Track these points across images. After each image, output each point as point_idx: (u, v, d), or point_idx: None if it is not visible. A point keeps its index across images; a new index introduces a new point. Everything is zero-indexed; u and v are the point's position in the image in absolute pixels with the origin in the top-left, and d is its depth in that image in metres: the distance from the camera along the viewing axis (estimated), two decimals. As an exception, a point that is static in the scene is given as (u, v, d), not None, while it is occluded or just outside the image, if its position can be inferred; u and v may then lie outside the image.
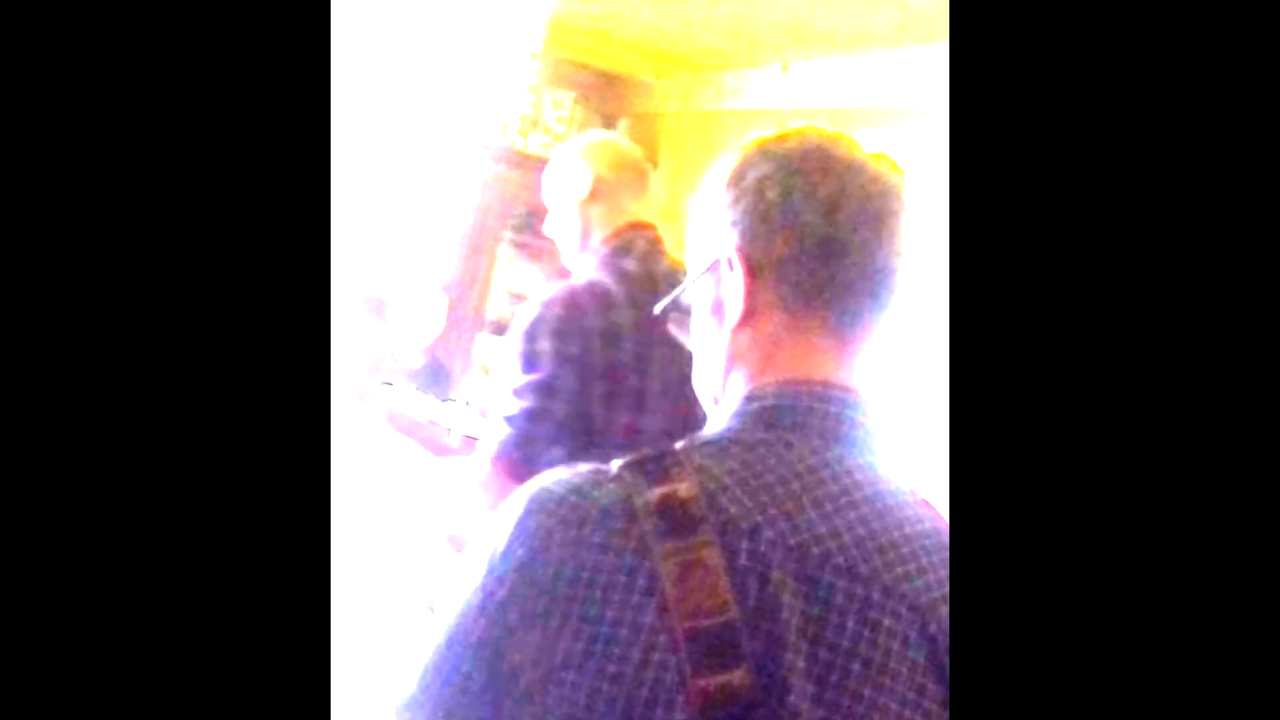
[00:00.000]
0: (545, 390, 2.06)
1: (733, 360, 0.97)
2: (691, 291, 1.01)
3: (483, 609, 0.86)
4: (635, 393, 2.08)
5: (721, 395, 0.98)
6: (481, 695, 0.85)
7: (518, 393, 2.08)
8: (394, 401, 2.91)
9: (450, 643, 0.87)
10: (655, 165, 4.92)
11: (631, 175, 2.24)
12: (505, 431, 2.09)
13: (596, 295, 2.09)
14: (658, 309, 1.07)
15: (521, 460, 2.06)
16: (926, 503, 0.94)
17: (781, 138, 0.98)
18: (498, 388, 2.19)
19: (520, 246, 5.27)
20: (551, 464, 2.25)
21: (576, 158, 2.26)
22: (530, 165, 5.11)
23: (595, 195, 2.20)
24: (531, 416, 2.06)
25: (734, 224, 0.95)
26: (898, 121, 3.47)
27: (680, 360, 2.09)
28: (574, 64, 5.24)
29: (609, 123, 5.43)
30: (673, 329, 1.06)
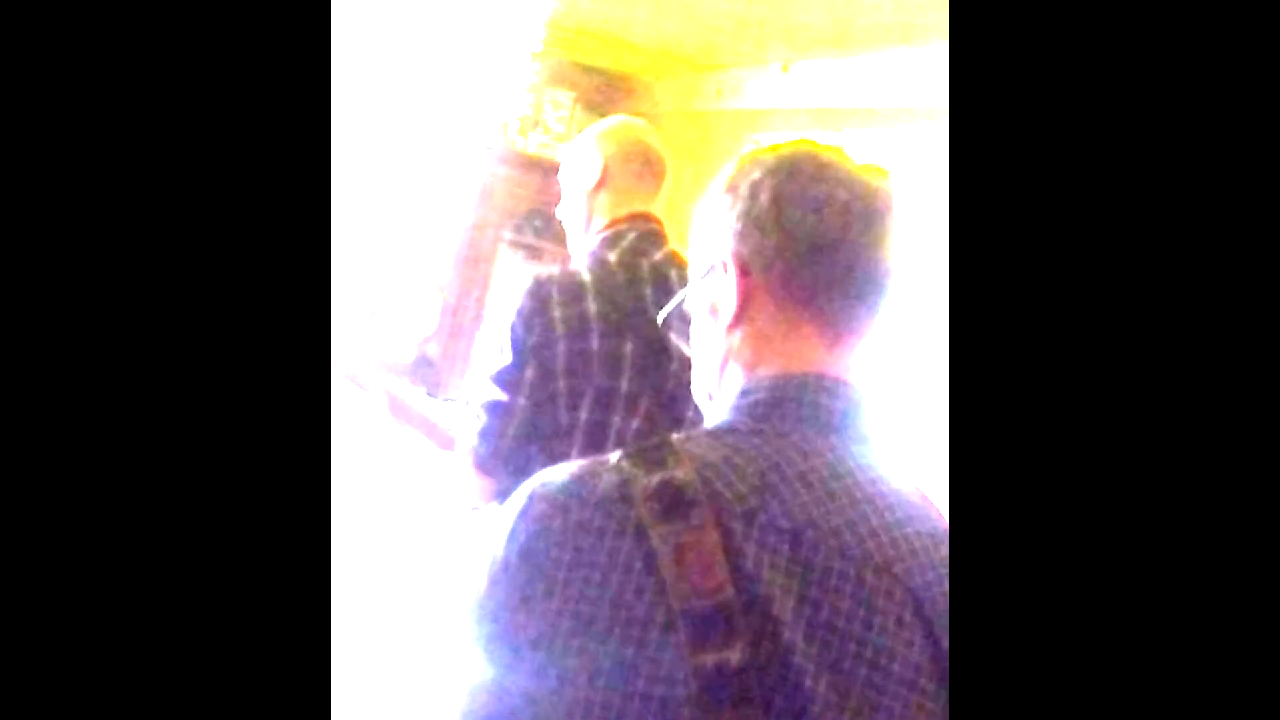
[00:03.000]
0: (509, 382, 2.04)
1: (728, 357, 1.00)
2: (692, 297, 1.04)
3: (490, 595, 0.89)
4: (601, 390, 2.04)
5: (717, 391, 1.02)
6: (500, 679, 0.88)
7: (486, 385, 2.08)
8: (396, 391, 2.91)
9: (468, 636, 0.90)
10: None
11: (640, 165, 2.22)
12: (475, 424, 2.08)
13: (566, 286, 2.06)
14: (659, 317, 1.09)
15: (488, 453, 2.05)
16: (919, 490, 0.97)
17: (776, 148, 1.02)
18: (477, 378, 2.17)
19: (520, 246, 5.27)
20: (520, 458, 2.13)
21: (589, 143, 2.24)
22: (530, 165, 5.12)
23: (601, 183, 2.19)
24: (496, 410, 2.05)
25: (730, 229, 0.99)
26: (898, 121, 3.47)
27: (662, 357, 1.98)
28: (574, 64, 5.23)
29: (609, 123, 5.42)
30: (674, 337, 1.09)
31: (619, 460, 0.91)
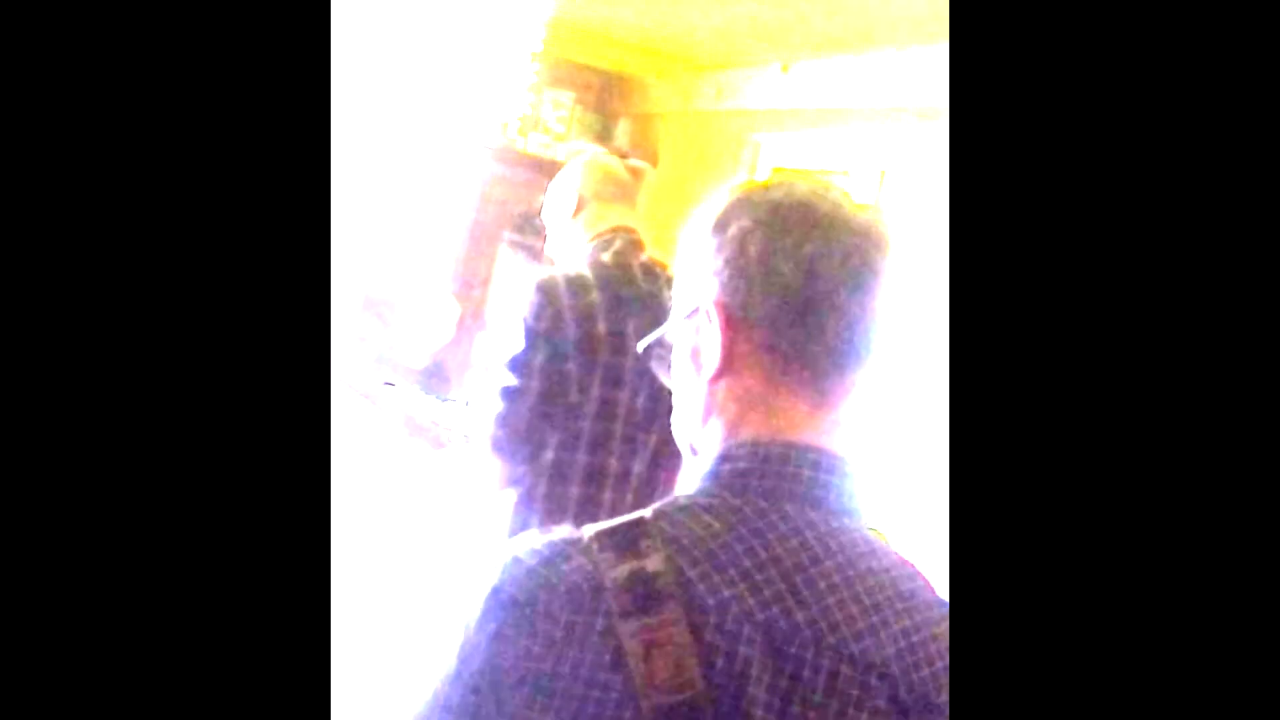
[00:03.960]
0: (522, 368, 2.23)
1: (710, 412, 0.97)
2: (673, 334, 1.01)
3: (458, 678, 0.87)
4: (610, 367, 2.25)
5: (698, 446, 0.99)
6: None
7: (498, 372, 2.26)
8: (400, 401, 2.93)
9: (430, 713, 0.88)
10: (655, 165, 4.91)
11: (612, 188, 2.48)
12: (489, 410, 2.26)
13: (570, 280, 2.29)
14: (641, 346, 1.07)
15: (504, 436, 2.24)
16: (906, 563, 0.94)
17: (768, 187, 0.99)
18: (484, 372, 2.35)
19: (520, 246, 5.27)
20: (534, 439, 2.32)
21: (564, 178, 2.52)
22: (530, 165, 5.11)
23: (580, 209, 2.45)
24: (510, 394, 2.23)
25: (715, 274, 0.95)
26: (898, 121, 3.47)
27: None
28: (574, 64, 5.23)
29: (609, 123, 5.42)
30: (654, 366, 1.07)
31: (590, 542, 0.88)
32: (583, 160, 2.57)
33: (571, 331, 2.22)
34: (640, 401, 2.28)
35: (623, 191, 2.49)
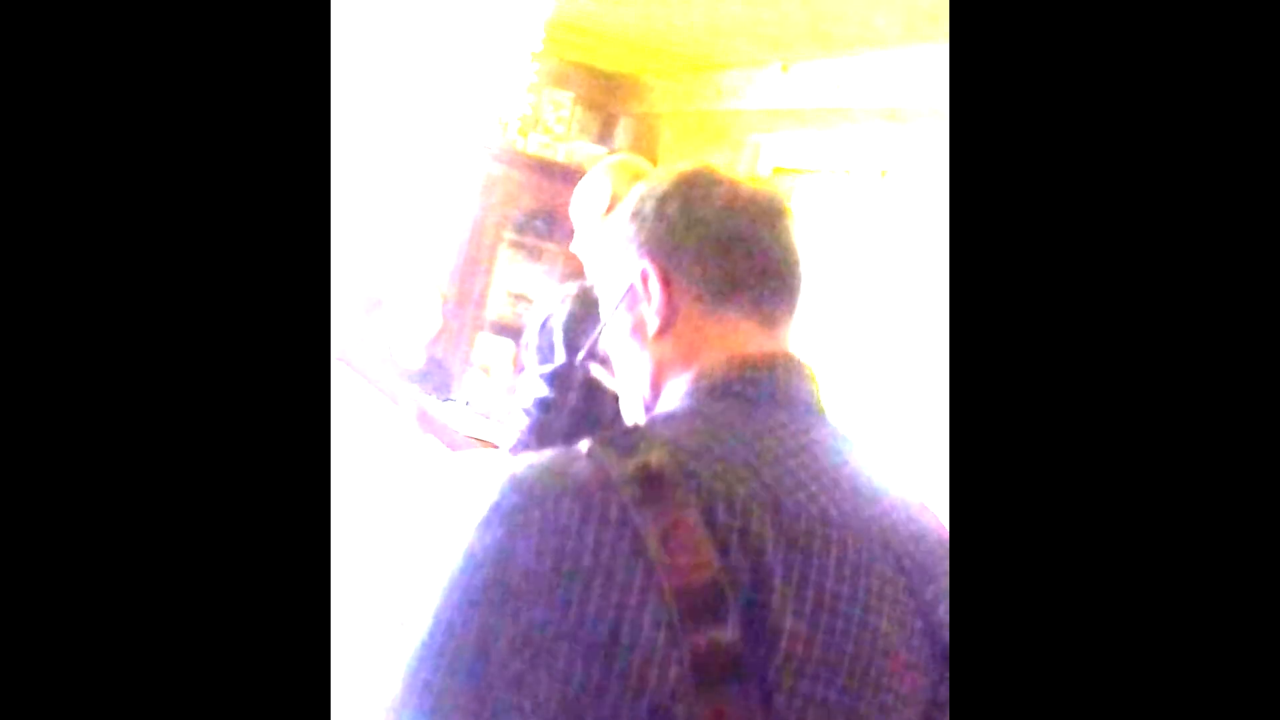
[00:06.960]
0: (558, 381, 2.20)
1: (660, 367, 1.02)
2: (610, 327, 1.07)
3: (465, 596, 0.86)
4: None
5: (655, 403, 1.03)
6: (470, 684, 0.85)
7: (533, 384, 2.23)
8: (423, 402, 2.94)
9: (435, 635, 0.87)
10: (655, 165, 4.92)
11: None
12: (522, 421, 2.24)
13: None
14: (578, 358, 1.12)
15: (537, 448, 2.13)
16: (879, 458, 1.00)
17: (668, 169, 1.08)
18: (518, 382, 2.33)
19: (520, 246, 5.28)
20: None
21: (598, 177, 2.47)
22: (530, 165, 5.12)
23: (612, 209, 2.35)
24: (546, 406, 2.21)
25: (642, 245, 1.03)
26: (898, 121, 3.47)
27: None
28: (574, 64, 5.24)
29: (609, 123, 5.43)
30: (595, 372, 1.11)
31: (591, 448, 0.90)
32: (614, 161, 2.54)
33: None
34: None
35: None
